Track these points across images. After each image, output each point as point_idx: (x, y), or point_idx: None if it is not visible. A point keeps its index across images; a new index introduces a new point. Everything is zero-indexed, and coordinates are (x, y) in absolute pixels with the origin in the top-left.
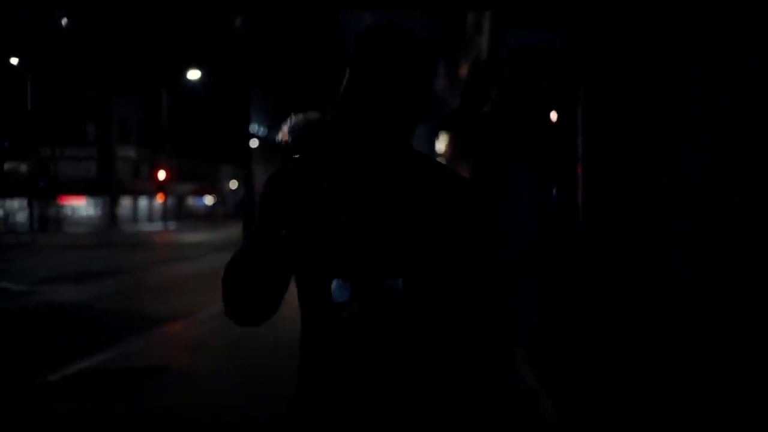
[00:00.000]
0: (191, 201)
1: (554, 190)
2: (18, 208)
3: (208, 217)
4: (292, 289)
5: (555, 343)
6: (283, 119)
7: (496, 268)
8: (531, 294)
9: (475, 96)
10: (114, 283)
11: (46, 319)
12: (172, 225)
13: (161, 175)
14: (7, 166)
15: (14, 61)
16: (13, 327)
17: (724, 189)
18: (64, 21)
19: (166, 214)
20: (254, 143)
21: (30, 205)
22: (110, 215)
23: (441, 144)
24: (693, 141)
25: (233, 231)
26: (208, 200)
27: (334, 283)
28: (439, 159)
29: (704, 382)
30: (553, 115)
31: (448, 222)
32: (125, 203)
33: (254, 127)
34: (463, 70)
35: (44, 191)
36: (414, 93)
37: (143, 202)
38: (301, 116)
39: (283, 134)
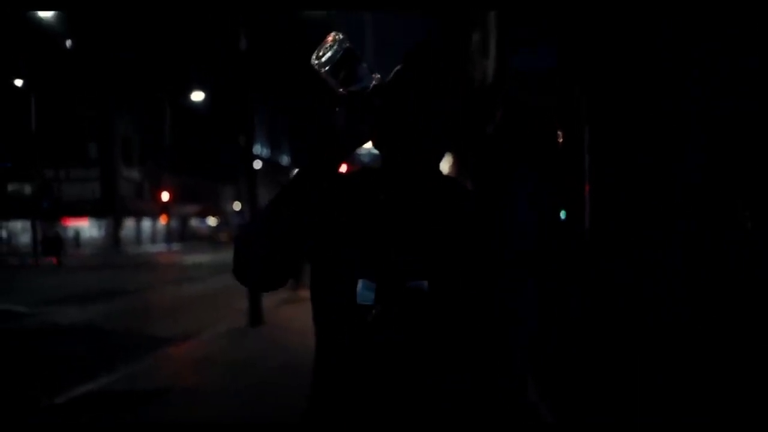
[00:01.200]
0: (194, 222)
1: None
2: (21, 230)
3: (212, 238)
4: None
5: (555, 343)
6: (285, 141)
7: (497, 268)
8: (531, 295)
9: (481, 117)
10: (120, 303)
11: (52, 339)
12: (175, 246)
13: (164, 196)
14: (11, 187)
15: (18, 82)
16: (20, 347)
17: (724, 189)
18: (68, 42)
19: (169, 235)
20: (258, 164)
21: (33, 227)
22: (114, 236)
23: (444, 164)
24: (693, 141)
25: None
26: (211, 221)
27: (360, 284)
28: None
29: (704, 382)
30: (560, 136)
31: (453, 223)
32: (129, 224)
33: (257, 149)
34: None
35: (48, 212)
36: (428, 109)
37: (146, 223)
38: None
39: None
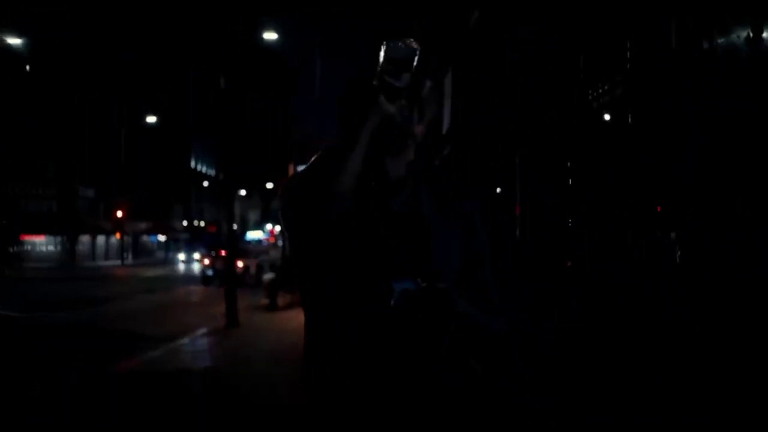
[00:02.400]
0: (145, 238)
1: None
2: None
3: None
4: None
5: (555, 343)
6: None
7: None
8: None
9: (430, 152)
10: (102, 310)
11: (60, 337)
12: (129, 261)
13: (118, 214)
14: None
15: None
16: (41, 340)
17: (724, 189)
18: (27, 66)
19: (123, 251)
20: (205, 183)
21: None
22: (70, 252)
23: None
24: (693, 141)
25: (189, 266)
26: (162, 238)
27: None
28: None
29: (704, 382)
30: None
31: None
32: (84, 240)
33: (204, 168)
34: (418, 130)
35: (6, 229)
36: None
37: (101, 239)
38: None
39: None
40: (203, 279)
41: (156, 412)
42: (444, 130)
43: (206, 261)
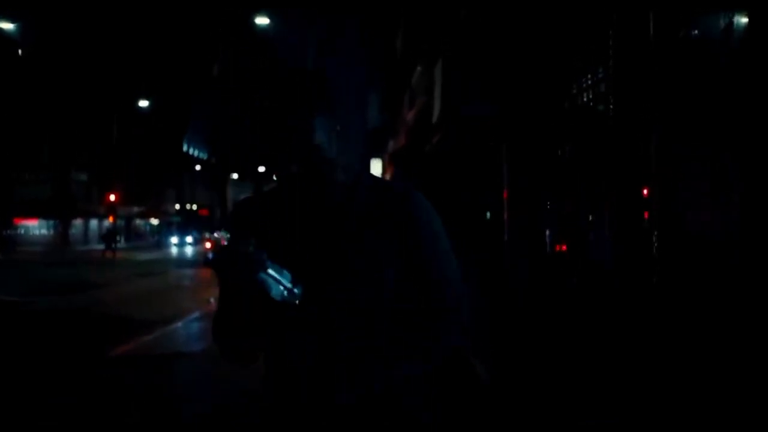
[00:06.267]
0: (138, 222)
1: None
2: None
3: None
4: None
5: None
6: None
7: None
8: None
9: (420, 139)
10: (98, 294)
11: (60, 321)
12: (121, 245)
13: (111, 197)
14: None
15: None
16: (37, 328)
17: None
18: (19, 51)
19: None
20: (198, 167)
21: None
22: (63, 235)
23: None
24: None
25: (182, 250)
26: (154, 221)
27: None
28: None
29: (704, 381)
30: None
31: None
32: (77, 223)
33: (196, 152)
34: (410, 116)
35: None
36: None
37: (93, 222)
38: None
39: None
40: (206, 262)
41: (145, 394)
42: (434, 119)
43: (208, 245)
